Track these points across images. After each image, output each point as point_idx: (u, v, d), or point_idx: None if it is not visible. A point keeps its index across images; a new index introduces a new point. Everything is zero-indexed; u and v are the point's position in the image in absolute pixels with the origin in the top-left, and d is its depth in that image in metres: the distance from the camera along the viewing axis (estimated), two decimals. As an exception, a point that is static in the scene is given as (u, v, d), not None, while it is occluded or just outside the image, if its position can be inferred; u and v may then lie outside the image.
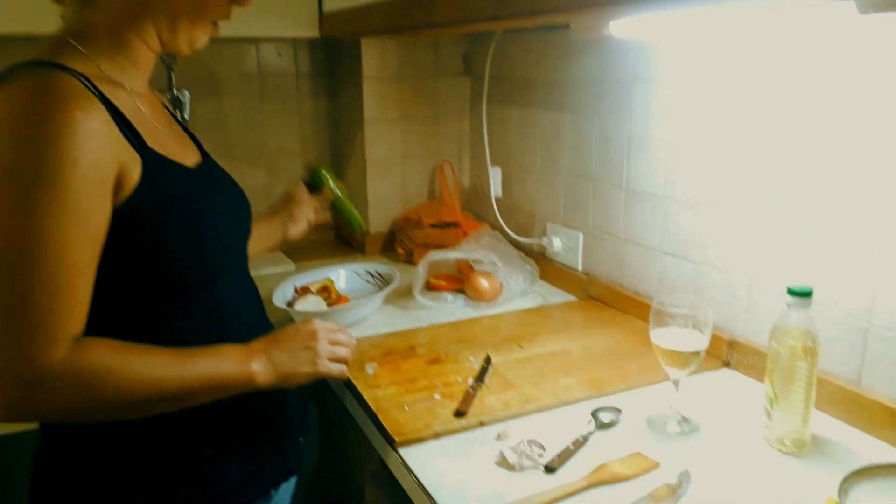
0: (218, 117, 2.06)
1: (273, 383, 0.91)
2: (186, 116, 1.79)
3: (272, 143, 2.15)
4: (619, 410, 1.11)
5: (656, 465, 0.97)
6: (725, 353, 1.27)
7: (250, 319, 1.03)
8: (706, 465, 0.97)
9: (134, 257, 0.85)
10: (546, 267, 1.75)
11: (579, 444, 1.02)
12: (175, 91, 1.79)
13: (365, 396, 1.16)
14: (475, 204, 2.09)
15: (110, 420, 0.85)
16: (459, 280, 1.67)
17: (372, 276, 1.70)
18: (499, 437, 1.04)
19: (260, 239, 1.31)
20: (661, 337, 1.05)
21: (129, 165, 0.83)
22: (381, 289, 1.59)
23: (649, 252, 1.46)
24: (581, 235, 1.65)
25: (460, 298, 1.61)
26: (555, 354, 1.32)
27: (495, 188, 1.91)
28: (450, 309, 1.57)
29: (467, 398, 1.14)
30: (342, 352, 0.98)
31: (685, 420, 1.08)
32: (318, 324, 0.96)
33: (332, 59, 2.14)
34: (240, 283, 1.02)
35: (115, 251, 0.83)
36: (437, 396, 1.16)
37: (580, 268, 1.67)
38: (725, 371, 1.26)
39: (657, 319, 1.06)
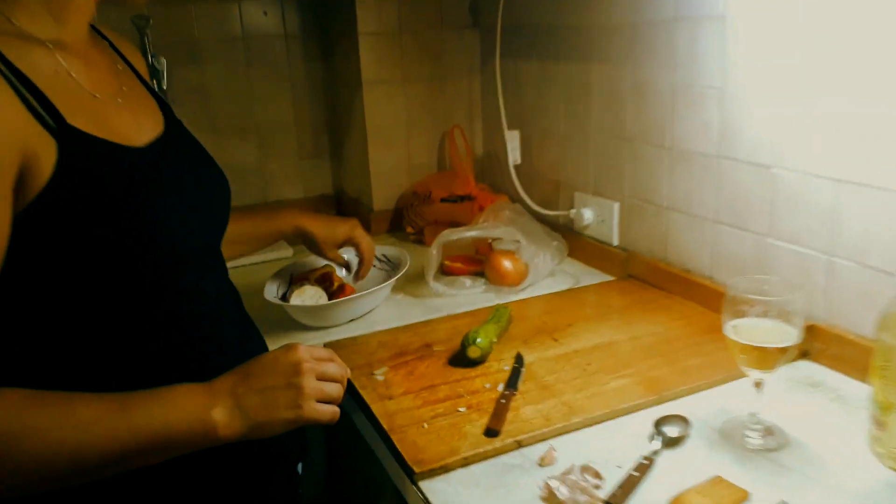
0: (199, 86, 1.84)
1: (242, 435, 0.70)
2: (164, 86, 1.58)
3: (262, 114, 1.92)
4: (686, 421, 0.90)
5: (745, 496, 0.77)
6: (804, 340, 1.06)
7: (224, 329, 0.83)
8: (807, 492, 0.77)
9: (55, 266, 0.66)
10: (576, 243, 1.54)
11: (644, 468, 0.82)
12: (150, 58, 1.58)
13: (375, 412, 0.96)
14: (490, 174, 1.88)
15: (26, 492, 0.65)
16: (478, 262, 1.47)
17: (379, 259, 1.49)
18: (542, 463, 0.85)
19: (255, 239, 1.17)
20: (739, 330, 0.85)
21: (37, 152, 0.64)
22: (389, 275, 1.39)
23: (700, 222, 1.25)
24: (616, 205, 1.44)
25: (480, 283, 1.41)
26: (597, 349, 1.12)
27: (513, 155, 1.69)
28: (469, 296, 1.37)
29: (499, 411, 0.94)
30: (333, 390, 0.74)
31: (769, 432, 0.88)
32: (303, 352, 0.73)
33: (324, 16, 1.91)
34: (207, 282, 0.82)
35: (30, 263, 0.64)
36: (461, 409, 0.96)
37: (616, 242, 1.46)
38: (805, 364, 1.05)
39: (732, 309, 0.86)
